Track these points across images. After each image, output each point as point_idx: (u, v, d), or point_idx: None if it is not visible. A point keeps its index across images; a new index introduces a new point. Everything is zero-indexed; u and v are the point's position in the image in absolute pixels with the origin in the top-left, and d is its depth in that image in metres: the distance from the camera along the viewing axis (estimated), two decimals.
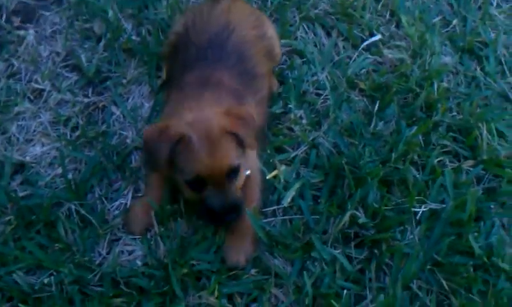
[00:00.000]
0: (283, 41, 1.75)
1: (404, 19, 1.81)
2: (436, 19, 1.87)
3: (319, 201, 1.43)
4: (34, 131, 1.59)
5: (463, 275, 1.30)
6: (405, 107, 1.61)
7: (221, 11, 1.56)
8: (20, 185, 1.47)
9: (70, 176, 1.47)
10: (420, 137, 1.53)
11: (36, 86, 1.68)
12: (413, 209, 1.40)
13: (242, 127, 1.28)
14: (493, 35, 1.82)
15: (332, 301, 1.24)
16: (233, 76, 1.46)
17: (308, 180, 1.45)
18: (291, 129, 1.58)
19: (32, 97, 1.67)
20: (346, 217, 1.35)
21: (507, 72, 1.74)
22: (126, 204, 1.44)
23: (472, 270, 1.30)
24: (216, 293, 1.28)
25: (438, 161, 1.50)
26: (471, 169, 1.50)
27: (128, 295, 1.27)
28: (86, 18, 1.83)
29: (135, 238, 1.38)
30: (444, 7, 1.92)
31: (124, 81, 1.68)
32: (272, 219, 1.41)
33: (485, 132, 1.53)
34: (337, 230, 1.36)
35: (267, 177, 1.45)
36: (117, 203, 1.45)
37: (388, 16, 1.87)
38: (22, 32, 1.81)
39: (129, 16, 1.85)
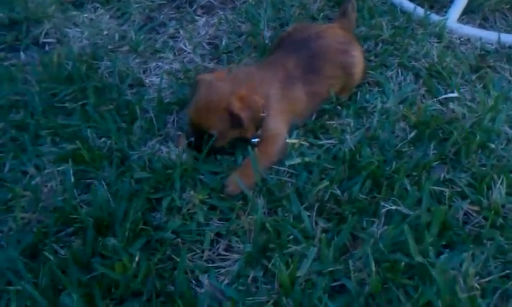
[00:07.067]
0: (371, 72, 2.02)
1: (492, 92, 1.92)
2: None
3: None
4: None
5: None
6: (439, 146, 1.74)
7: (322, 26, 1.97)
8: None
9: None
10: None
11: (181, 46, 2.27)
12: (383, 204, 1.53)
13: (245, 112, 1.63)
14: None
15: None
16: (298, 65, 1.81)
17: (320, 163, 1.68)
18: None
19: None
20: (322, 186, 1.57)
21: None
22: None
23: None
24: (201, 197, 1.60)
25: (441, 190, 1.59)
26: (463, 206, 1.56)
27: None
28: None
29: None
30: None
31: None
32: (274, 176, 1.67)
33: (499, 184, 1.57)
34: (315, 198, 1.57)
35: (287, 140, 1.72)
36: None
37: (478, 85, 1.99)
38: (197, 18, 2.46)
39: None
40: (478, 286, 1.35)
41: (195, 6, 2.53)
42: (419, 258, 1.39)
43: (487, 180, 1.59)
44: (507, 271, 1.41)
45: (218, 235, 1.54)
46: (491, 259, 1.43)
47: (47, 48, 2.31)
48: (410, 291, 1.36)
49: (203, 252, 1.50)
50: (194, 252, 1.50)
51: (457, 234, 1.48)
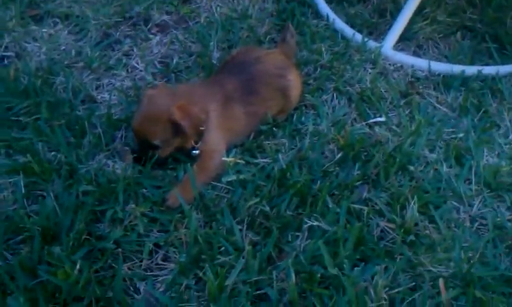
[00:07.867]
0: (308, 96, 2.19)
1: (417, 117, 2.11)
2: (449, 129, 2.11)
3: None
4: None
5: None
6: (363, 167, 1.91)
7: (263, 51, 2.13)
8: None
9: None
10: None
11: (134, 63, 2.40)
12: (306, 220, 1.70)
13: (186, 121, 1.77)
14: (492, 159, 2.01)
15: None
16: (237, 85, 1.97)
17: (254, 180, 1.84)
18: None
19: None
20: (253, 202, 1.73)
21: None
22: None
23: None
24: (143, 210, 1.74)
25: (361, 208, 1.76)
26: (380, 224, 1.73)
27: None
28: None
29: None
30: (463, 124, 2.15)
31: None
32: (211, 191, 1.83)
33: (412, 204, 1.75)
34: (246, 213, 1.73)
35: (223, 158, 1.87)
36: None
37: (405, 111, 2.18)
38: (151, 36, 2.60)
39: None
40: (386, 297, 1.54)
41: (150, 25, 2.66)
42: (334, 270, 1.56)
43: (401, 200, 1.77)
44: (414, 283, 1.60)
45: (157, 245, 1.68)
46: (400, 272, 1.61)
47: (5, 61, 2.42)
48: (326, 300, 1.53)
49: (141, 261, 1.64)
50: (133, 262, 1.64)
51: (372, 249, 1.65)
